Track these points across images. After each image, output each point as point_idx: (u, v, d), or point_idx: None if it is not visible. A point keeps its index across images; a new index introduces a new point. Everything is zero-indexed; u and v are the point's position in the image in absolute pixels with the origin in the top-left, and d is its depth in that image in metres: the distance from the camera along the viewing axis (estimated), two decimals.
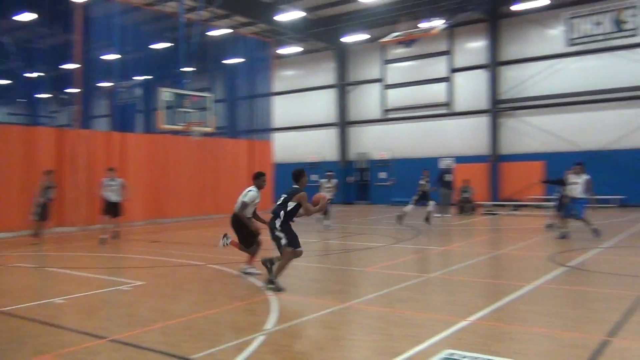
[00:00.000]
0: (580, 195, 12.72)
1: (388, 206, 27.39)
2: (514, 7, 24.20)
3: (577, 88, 24.08)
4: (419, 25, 23.07)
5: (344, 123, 31.43)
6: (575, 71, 24.30)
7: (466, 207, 22.08)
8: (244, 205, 8.52)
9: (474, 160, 26.34)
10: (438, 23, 22.71)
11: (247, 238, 8.74)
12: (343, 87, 31.33)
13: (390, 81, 29.77)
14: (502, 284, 8.56)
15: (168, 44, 24.88)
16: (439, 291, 7.85)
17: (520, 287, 7.65)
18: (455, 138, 27.42)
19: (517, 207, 23.74)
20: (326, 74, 31.90)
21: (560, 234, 13.08)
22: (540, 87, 25.10)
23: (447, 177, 21.54)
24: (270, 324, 5.95)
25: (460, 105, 27.45)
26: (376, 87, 30.30)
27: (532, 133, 25.30)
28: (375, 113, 30.35)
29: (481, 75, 26.63)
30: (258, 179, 8.79)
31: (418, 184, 17.54)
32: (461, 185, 22.38)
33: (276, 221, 7.68)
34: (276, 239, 7.71)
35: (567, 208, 13.04)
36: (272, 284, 7.63)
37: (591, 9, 23.34)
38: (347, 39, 28.69)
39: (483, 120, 26.57)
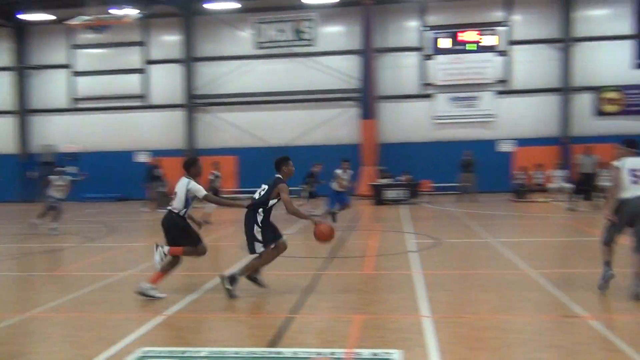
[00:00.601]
0: (344, 188, 13.94)
1: (81, 203, 25.46)
2: (207, 6, 24.96)
3: (265, 88, 26.12)
4: (110, 11, 21.97)
5: (24, 111, 27.95)
6: (263, 73, 26.32)
7: (162, 201, 21.93)
8: (206, 196, 7.01)
9: (170, 154, 26.28)
10: (131, 12, 21.96)
11: (184, 239, 7.00)
12: (22, 70, 27.85)
13: (80, 68, 27.64)
14: (199, 275, 8.75)
15: None
16: (134, 289, 7.60)
17: (213, 277, 7.93)
18: (152, 131, 26.99)
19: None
20: (1, 54, 27.92)
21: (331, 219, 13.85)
22: (233, 85, 26.47)
23: (156, 172, 21.04)
24: None
25: (156, 98, 27.11)
26: (63, 73, 27.76)
27: (226, 128, 26.54)
28: (63, 102, 27.82)
29: (177, 70, 26.75)
30: (194, 166, 7.06)
31: (208, 180, 16.12)
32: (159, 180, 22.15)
33: (257, 216, 6.67)
34: (251, 239, 6.71)
35: (341, 199, 14.15)
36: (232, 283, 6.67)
37: (275, 17, 25.65)
38: (27, 16, 25.59)
39: (179, 115, 26.77)
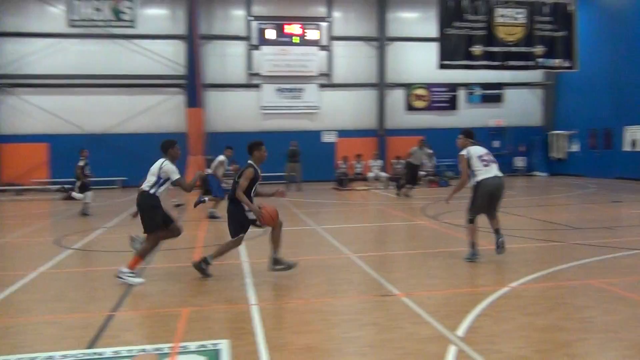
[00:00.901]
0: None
1: None
2: None
3: (80, 71, 24.10)
4: None
5: None
6: (78, 53, 24.27)
7: None
8: (178, 180, 6.87)
9: None
10: None
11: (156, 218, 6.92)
12: None
13: None
14: (3, 275, 7.87)
15: None
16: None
17: (22, 276, 7.20)
18: None
19: (20, 192, 22.24)
20: None
21: (210, 214, 13.47)
22: (43, 65, 24.02)
23: None
24: None
25: None
26: None
27: (36, 113, 24.02)
28: None
29: None
30: (172, 147, 7.06)
31: (77, 167, 14.07)
32: None
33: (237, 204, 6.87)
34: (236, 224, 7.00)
35: (216, 188, 13.97)
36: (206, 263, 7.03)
37: None
38: None
39: None
